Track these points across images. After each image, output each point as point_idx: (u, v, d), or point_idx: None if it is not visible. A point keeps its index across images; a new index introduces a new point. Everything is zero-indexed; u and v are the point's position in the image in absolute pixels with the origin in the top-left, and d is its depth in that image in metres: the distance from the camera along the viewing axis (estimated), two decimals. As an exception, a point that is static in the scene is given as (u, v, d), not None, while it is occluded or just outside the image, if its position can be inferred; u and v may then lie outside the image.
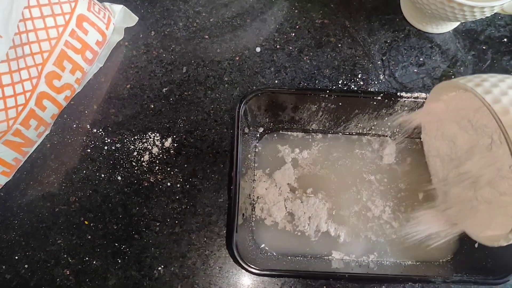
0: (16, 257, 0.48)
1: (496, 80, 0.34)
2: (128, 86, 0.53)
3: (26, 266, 0.47)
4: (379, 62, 0.54)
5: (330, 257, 0.46)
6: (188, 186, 0.50)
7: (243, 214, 0.44)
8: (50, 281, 0.47)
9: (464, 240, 0.47)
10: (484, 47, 0.55)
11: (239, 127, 0.43)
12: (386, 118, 0.48)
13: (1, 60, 0.40)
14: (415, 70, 0.54)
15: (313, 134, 0.51)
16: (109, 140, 0.51)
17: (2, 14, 0.39)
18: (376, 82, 0.53)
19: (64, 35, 0.45)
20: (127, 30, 0.55)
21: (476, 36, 0.56)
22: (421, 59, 0.55)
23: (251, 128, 0.48)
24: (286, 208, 0.48)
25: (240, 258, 0.40)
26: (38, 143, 0.50)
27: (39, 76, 0.44)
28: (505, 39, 0.55)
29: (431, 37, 0.55)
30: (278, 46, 0.55)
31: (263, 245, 0.47)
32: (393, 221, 0.48)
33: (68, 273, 0.47)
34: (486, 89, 0.33)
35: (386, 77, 0.54)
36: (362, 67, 0.54)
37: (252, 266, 0.40)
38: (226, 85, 0.53)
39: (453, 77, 0.54)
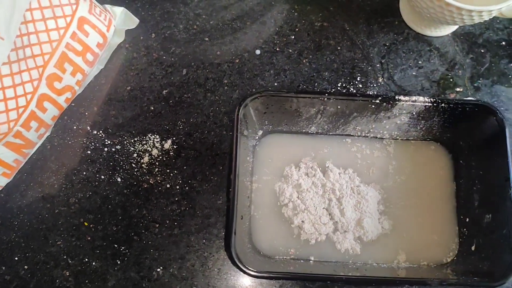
0: (16, 258, 0.48)
1: None
2: (129, 88, 0.53)
3: (25, 267, 0.48)
4: (378, 65, 0.55)
5: (327, 259, 0.47)
6: (187, 188, 0.50)
7: (242, 217, 0.44)
8: (49, 282, 0.47)
9: (461, 243, 0.47)
10: (482, 50, 0.55)
11: (238, 130, 0.44)
12: (385, 121, 0.48)
13: (2, 62, 0.40)
14: (414, 73, 0.54)
15: (312, 136, 0.51)
16: (109, 142, 0.51)
17: (4, 16, 0.39)
18: (375, 85, 0.54)
19: (65, 37, 0.46)
20: (128, 32, 0.55)
21: (474, 39, 0.56)
22: (419, 62, 0.55)
23: (250, 131, 0.48)
24: (284, 210, 0.48)
25: (239, 261, 0.41)
26: (39, 144, 0.50)
27: (40, 78, 0.44)
28: (503, 42, 0.56)
29: (430, 40, 0.56)
30: (277, 49, 0.55)
31: (261, 247, 0.47)
32: (390, 222, 0.48)
33: (67, 274, 0.47)
34: None
35: (385, 80, 0.54)
36: (361, 70, 0.54)
37: (250, 268, 0.40)
38: (225, 88, 0.53)
39: (451, 80, 0.54)
